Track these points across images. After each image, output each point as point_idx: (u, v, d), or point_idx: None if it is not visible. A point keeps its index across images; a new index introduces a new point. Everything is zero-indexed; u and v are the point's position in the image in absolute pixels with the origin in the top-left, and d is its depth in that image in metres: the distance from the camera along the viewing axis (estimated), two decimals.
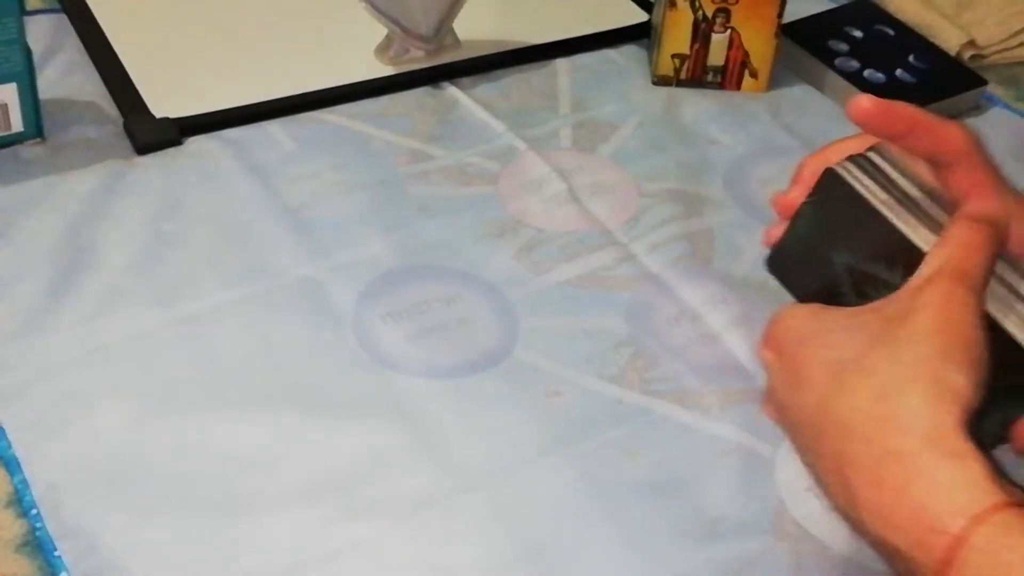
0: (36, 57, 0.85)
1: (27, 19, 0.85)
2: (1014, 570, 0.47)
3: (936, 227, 0.55)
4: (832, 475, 0.53)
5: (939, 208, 0.56)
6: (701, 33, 0.96)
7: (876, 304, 0.54)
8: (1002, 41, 1.05)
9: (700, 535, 0.66)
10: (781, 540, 0.66)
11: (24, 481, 0.64)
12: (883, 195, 0.57)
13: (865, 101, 0.59)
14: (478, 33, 0.99)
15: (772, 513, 0.67)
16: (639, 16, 1.05)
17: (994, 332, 0.52)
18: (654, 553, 0.65)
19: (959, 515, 0.47)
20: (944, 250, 0.54)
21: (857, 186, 0.57)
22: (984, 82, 1.00)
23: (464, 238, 0.82)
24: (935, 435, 0.49)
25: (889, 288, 0.54)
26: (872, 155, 0.59)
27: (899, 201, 0.56)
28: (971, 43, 1.04)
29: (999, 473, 0.49)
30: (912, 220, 0.56)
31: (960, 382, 0.50)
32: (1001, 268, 0.54)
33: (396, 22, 0.93)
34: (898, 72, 0.99)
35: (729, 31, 0.96)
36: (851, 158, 0.59)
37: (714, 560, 0.65)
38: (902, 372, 0.51)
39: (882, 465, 0.50)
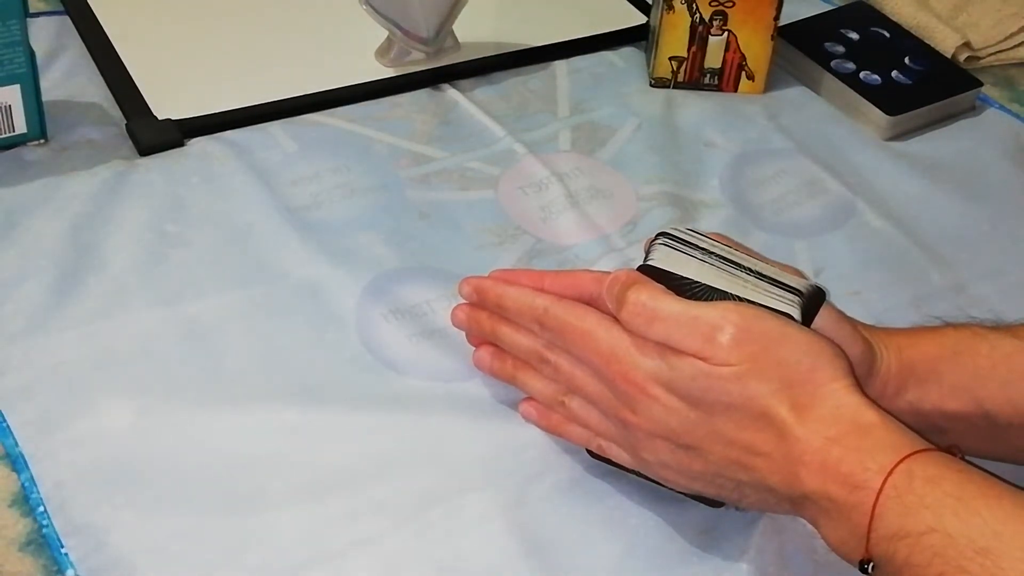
0: (39, 59, 0.86)
1: (30, 21, 0.86)
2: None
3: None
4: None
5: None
6: (698, 36, 0.97)
7: None
8: (997, 43, 1.06)
9: (696, 532, 0.66)
10: (767, 531, 0.66)
11: (31, 479, 0.65)
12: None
13: (464, 287, 0.70)
14: (478, 35, 1.00)
15: None
16: (637, 19, 1.06)
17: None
18: (653, 550, 0.66)
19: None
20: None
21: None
22: (979, 84, 1.01)
23: (465, 245, 0.83)
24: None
25: None
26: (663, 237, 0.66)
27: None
28: (966, 45, 1.05)
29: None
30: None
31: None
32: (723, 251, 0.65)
33: (396, 25, 0.94)
34: (894, 74, 1.00)
35: (726, 33, 0.97)
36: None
37: (708, 554, 0.66)
38: None
39: None
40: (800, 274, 0.66)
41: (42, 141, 0.86)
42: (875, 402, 0.58)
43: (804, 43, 1.02)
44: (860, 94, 0.98)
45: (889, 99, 0.97)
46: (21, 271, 0.77)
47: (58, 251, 0.78)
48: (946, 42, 1.04)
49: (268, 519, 0.65)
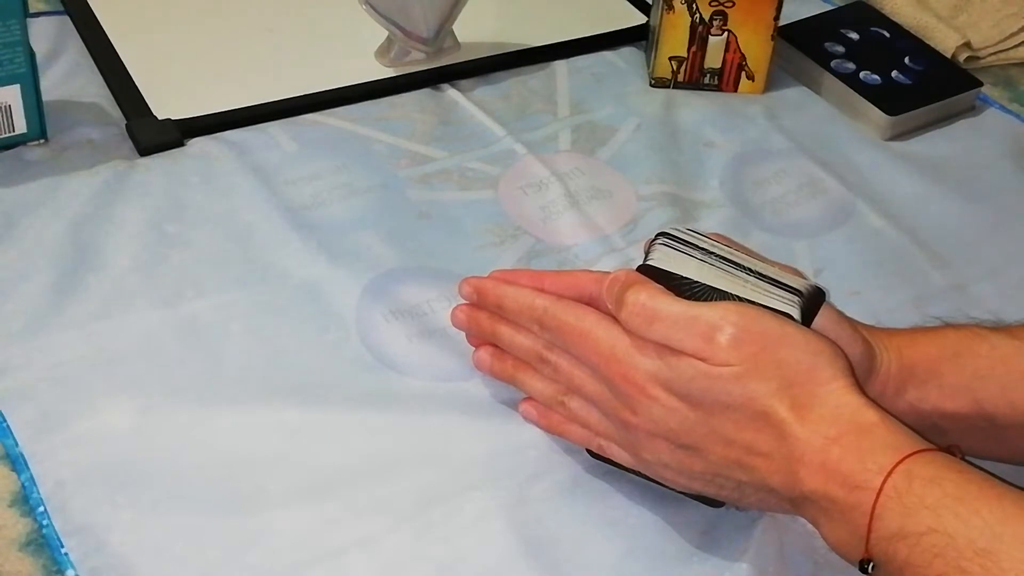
0: (39, 59, 0.86)
1: (30, 21, 0.85)
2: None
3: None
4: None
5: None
6: (698, 35, 0.97)
7: None
8: (997, 43, 1.06)
9: (696, 532, 0.66)
10: (767, 531, 0.67)
11: (31, 479, 0.65)
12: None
13: (464, 287, 0.70)
14: (478, 35, 1.00)
15: None
16: (637, 18, 1.06)
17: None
18: (653, 550, 0.66)
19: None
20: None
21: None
22: (979, 84, 1.01)
23: (465, 245, 0.83)
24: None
25: None
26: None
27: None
28: (966, 45, 1.05)
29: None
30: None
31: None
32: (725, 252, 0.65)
33: (396, 24, 0.94)
34: (894, 74, 1.00)
35: (726, 33, 0.97)
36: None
37: (708, 554, 0.66)
38: None
39: None
40: (800, 274, 0.66)
41: (42, 141, 0.86)
42: (875, 402, 0.58)
43: (804, 43, 1.02)
44: (860, 94, 0.98)
45: (889, 99, 0.97)
46: (21, 271, 0.77)
47: (58, 251, 0.78)
48: (946, 42, 1.04)
49: (268, 519, 0.65)
